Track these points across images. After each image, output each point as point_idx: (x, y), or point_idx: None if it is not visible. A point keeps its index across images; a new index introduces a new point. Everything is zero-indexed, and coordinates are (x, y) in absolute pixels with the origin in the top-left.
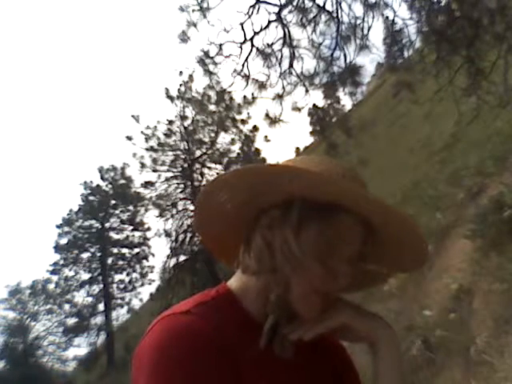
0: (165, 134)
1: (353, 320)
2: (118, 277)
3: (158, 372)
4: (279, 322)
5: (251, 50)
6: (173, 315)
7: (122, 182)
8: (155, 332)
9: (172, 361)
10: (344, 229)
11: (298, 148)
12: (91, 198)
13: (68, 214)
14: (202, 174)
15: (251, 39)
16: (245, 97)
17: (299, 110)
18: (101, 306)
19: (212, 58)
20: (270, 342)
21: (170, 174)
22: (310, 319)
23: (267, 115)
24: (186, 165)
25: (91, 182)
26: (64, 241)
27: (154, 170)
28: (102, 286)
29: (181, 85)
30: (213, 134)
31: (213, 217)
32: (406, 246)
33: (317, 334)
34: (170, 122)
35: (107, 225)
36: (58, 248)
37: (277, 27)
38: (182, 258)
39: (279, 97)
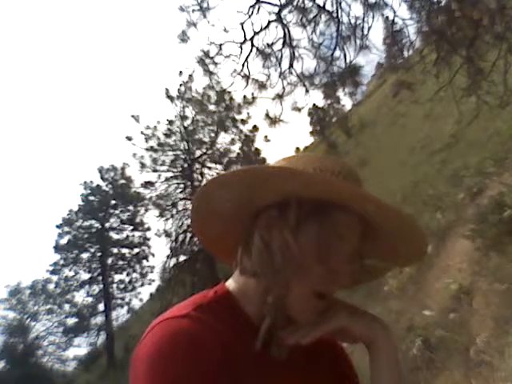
0: (165, 134)
1: (350, 322)
2: (117, 277)
3: (157, 376)
4: (276, 324)
5: (251, 50)
6: (171, 319)
7: (122, 181)
8: (154, 335)
9: (170, 365)
10: (342, 227)
11: (298, 148)
12: (91, 198)
13: (68, 214)
14: (201, 174)
15: (251, 39)
16: (245, 97)
17: (299, 110)
18: (101, 306)
19: (212, 58)
20: (267, 345)
21: (170, 174)
22: (306, 322)
23: (267, 115)
24: (186, 165)
25: (91, 182)
26: (64, 241)
27: (154, 170)
28: (102, 286)
29: (181, 85)
30: (213, 134)
31: (210, 217)
32: (404, 240)
33: (314, 339)
34: (170, 122)
35: (107, 225)
36: (57, 248)
37: (277, 27)
38: (182, 258)
39: (279, 97)
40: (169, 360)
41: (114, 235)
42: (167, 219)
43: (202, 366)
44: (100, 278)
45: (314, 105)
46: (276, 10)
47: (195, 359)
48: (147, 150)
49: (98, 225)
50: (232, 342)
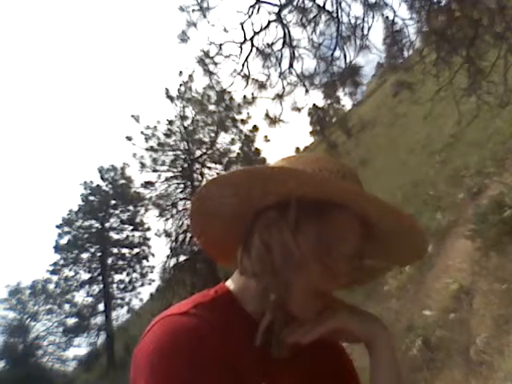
0: (165, 134)
1: (348, 322)
2: (117, 277)
3: (158, 373)
4: (276, 323)
5: (251, 50)
6: (172, 316)
7: (122, 181)
8: (154, 333)
9: (171, 362)
10: (341, 226)
11: (298, 148)
12: (91, 198)
13: (68, 214)
14: (201, 174)
15: (251, 39)
16: (245, 97)
17: (299, 110)
18: (101, 306)
19: (212, 57)
20: (267, 343)
21: (170, 174)
22: (305, 322)
23: (267, 115)
24: (186, 165)
25: (91, 182)
26: (64, 241)
27: (154, 170)
28: (102, 286)
29: (181, 85)
30: (213, 134)
31: (210, 218)
32: (405, 239)
33: (313, 338)
34: (170, 122)
35: (107, 225)
36: (58, 248)
37: (277, 27)
38: (182, 258)
39: (279, 97)
40: (170, 357)
41: (114, 235)
42: (167, 219)
43: (204, 363)
44: (100, 278)
45: (314, 105)
46: (276, 10)
47: (196, 356)
48: (147, 150)
49: (97, 225)
50: (232, 339)
